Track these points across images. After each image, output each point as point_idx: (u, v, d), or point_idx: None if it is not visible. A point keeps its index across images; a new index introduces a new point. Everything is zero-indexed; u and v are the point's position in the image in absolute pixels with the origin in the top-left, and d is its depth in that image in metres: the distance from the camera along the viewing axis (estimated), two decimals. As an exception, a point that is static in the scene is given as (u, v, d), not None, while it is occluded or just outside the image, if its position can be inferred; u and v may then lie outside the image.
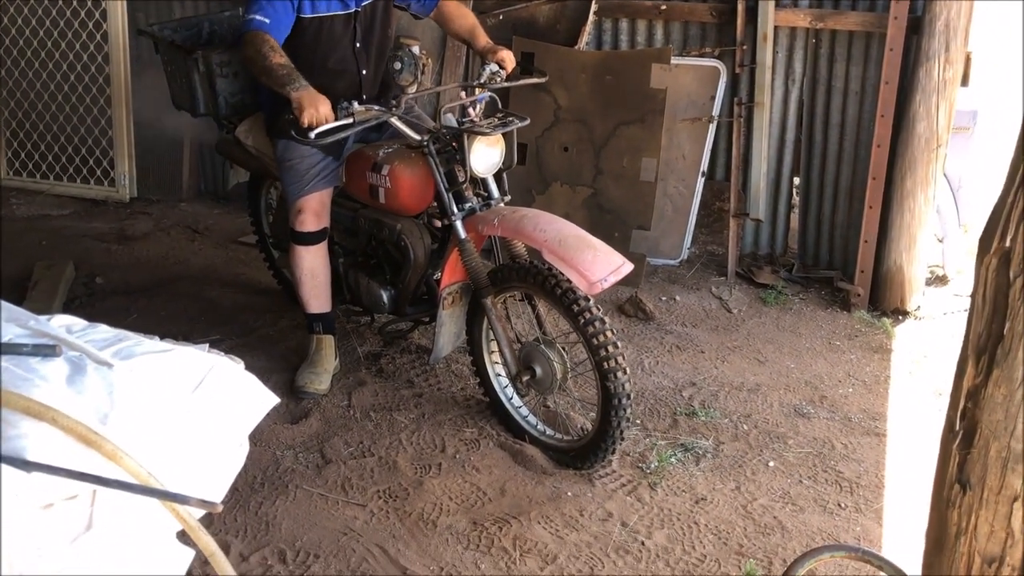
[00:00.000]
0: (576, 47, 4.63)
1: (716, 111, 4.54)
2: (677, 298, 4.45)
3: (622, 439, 3.02)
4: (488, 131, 3.05)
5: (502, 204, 3.21)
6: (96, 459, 1.08)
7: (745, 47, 4.47)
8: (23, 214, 5.33)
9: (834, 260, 4.62)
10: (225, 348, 1.79)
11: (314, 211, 3.39)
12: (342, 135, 2.99)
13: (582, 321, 2.90)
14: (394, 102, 3.13)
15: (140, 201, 5.51)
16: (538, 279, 2.98)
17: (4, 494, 0.99)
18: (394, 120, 3.07)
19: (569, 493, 3.01)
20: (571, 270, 2.85)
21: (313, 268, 3.46)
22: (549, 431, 3.23)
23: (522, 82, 3.31)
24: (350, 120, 2.93)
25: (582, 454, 3.08)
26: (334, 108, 2.92)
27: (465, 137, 3.05)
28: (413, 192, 3.22)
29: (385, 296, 3.43)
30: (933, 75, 4.08)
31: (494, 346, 3.26)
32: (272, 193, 4.08)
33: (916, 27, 4.11)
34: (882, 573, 1.77)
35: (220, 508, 1.17)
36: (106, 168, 5.53)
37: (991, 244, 1.39)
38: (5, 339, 1.17)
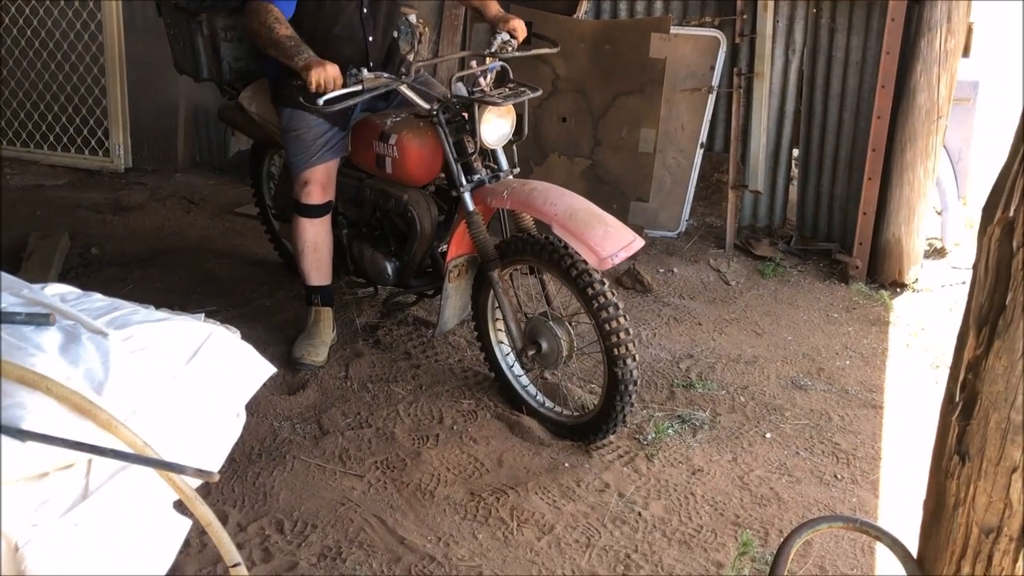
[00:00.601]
0: (575, 16, 4.59)
1: (715, 81, 4.51)
2: (675, 270, 4.44)
3: (624, 422, 3.02)
4: (499, 101, 3.00)
5: (511, 176, 3.17)
6: (91, 429, 1.07)
7: (745, 17, 4.43)
8: (17, 184, 5.29)
9: (832, 232, 4.61)
10: (221, 319, 1.78)
11: (320, 183, 3.35)
12: (351, 102, 2.93)
13: (595, 304, 2.86)
14: (403, 70, 3.10)
15: (135, 171, 5.47)
16: (553, 256, 2.93)
17: (3, 464, 0.98)
18: (403, 88, 3.02)
19: (566, 464, 3.01)
20: (581, 245, 2.82)
21: (316, 240, 3.44)
22: (549, 403, 3.23)
23: (533, 52, 3.25)
24: (359, 87, 2.88)
25: (582, 430, 3.08)
26: (343, 75, 2.89)
27: (476, 107, 3.01)
28: (421, 162, 3.19)
29: (389, 268, 3.40)
30: (935, 45, 4.04)
31: (498, 315, 3.24)
32: (275, 162, 4.04)
33: (918, -4, 4.07)
34: (879, 544, 1.77)
35: (217, 478, 1.17)
36: (100, 138, 5.49)
37: (994, 214, 1.37)
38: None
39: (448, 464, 3.00)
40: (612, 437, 3.11)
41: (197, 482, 1.19)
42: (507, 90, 3.07)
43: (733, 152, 4.59)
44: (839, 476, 3.03)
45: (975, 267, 1.41)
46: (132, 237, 4.62)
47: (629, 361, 2.87)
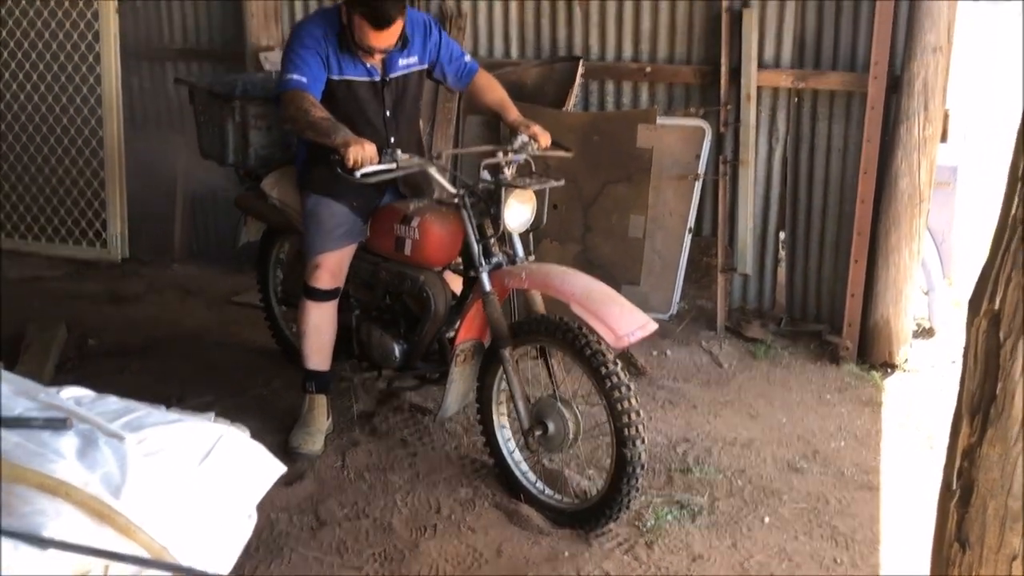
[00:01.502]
0: (564, 109, 4.72)
1: (702, 169, 4.63)
2: (668, 353, 4.48)
3: (628, 507, 3.02)
4: (524, 185, 3.15)
5: (527, 263, 3.26)
6: (109, 533, 1.09)
7: (729, 107, 4.57)
8: (15, 276, 5.33)
9: (822, 314, 4.68)
10: (219, 409, 1.80)
11: (331, 270, 3.44)
12: (385, 177, 3.09)
13: (608, 384, 2.89)
14: (434, 154, 3.28)
15: (132, 262, 5.53)
16: (567, 336, 2.98)
17: (22, 573, 1.00)
18: (432, 170, 3.17)
19: (566, 553, 3.00)
20: (599, 323, 2.88)
21: (319, 324, 3.50)
22: (549, 491, 3.23)
23: (550, 153, 3.40)
24: (394, 164, 3.04)
25: (584, 517, 3.07)
26: (379, 153, 3.04)
27: (503, 191, 3.13)
28: (441, 244, 3.29)
29: (397, 350, 3.46)
30: (913, 133, 4.17)
31: (503, 398, 3.28)
32: (283, 249, 4.13)
33: (895, 86, 4.22)
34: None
35: None
36: (98, 229, 5.56)
37: (981, 306, 1.43)
38: (16, 413, 1.18)
39: (447, 555, 2.98)
40: (611, 524, 3.10)
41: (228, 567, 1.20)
42: (530, 179, 3.22)
43: (721, 236, 4.68)
44: (839, 560, 3.02)
45: (964, 357, 1.46)
46: (129, 327, 4.65)
47: (639, 443, 2.90)
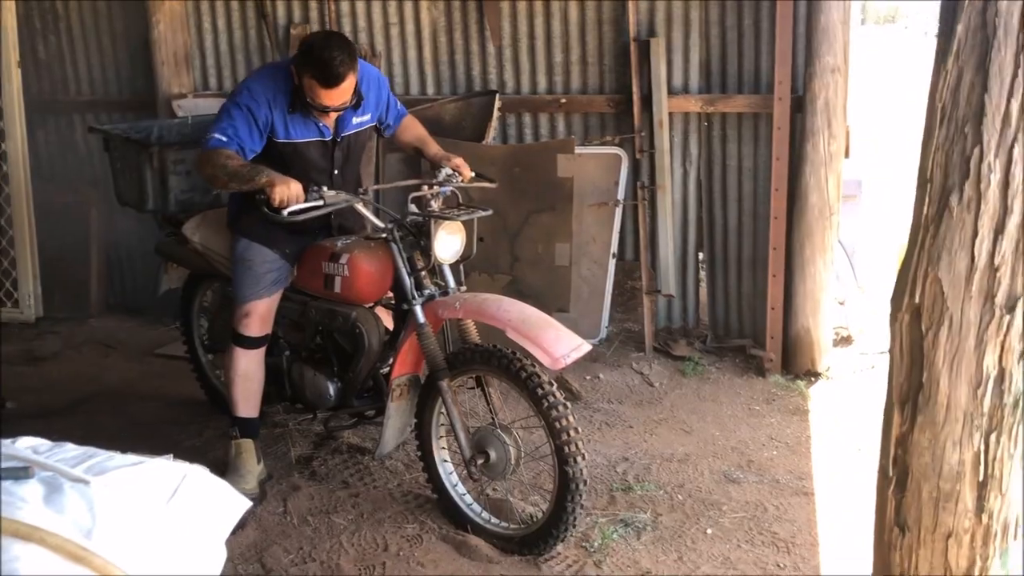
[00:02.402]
0: (483, 142, 4.80)
1: (621, 195, 4.75)
2: (600, 376, 4.55)
3: (574, 526, 3.05)
4: (453, 217, 3.18)
5: (459, 293, 3.28)
6: (87, 574, 1.07)
7: (643, 134, 4.71)
8: (-78, 343, 5.11)
9: (744, 329, 4.82)
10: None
11: (260, 316, 3.41)
12: (312, 215, 3.07)
13: (545, 404, 2.94)
14: (361, 190, 3.25)
15: (47, 320, 5.37)
16: (502, 362, 3.01)
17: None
18: (359, 206, 3.17)
19: (516, 580, 3.01)
20: (536, 347, 2.92)
21: (248, 371, 3.46)
22: (494, 519, 3.24)
23: (475, 184, 3.44)
24: (320, 202, 3.04)
25: (531, 541, 3.09)
26: (305, 191, 3.03)
27: (432, 223, 3.15)
28: (371, 280, 3.28)
29: (331, 389, 3.45)
30: (819, 149, 4.37)
31: (443, 432, 3.29)
32: (207, 297, 4.07)
33: (799, 106, 4.41)
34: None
35: None
36: (9, 289, 5.38)
37: (902, 302, 1.52)
38: (-29, 466, 1.16)
39: (398, 592, 2.96)
40: (560, 547, 3.13)
41: None
42: (458, 210, 3.25)
43: (644, 260, 4.80)
44: (781, 565, 3.11)
45: (891, 351, 1.55)
46: (49, 388, 4.50)
47: (579, 459, 2.93)
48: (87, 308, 5.41)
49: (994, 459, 1.47)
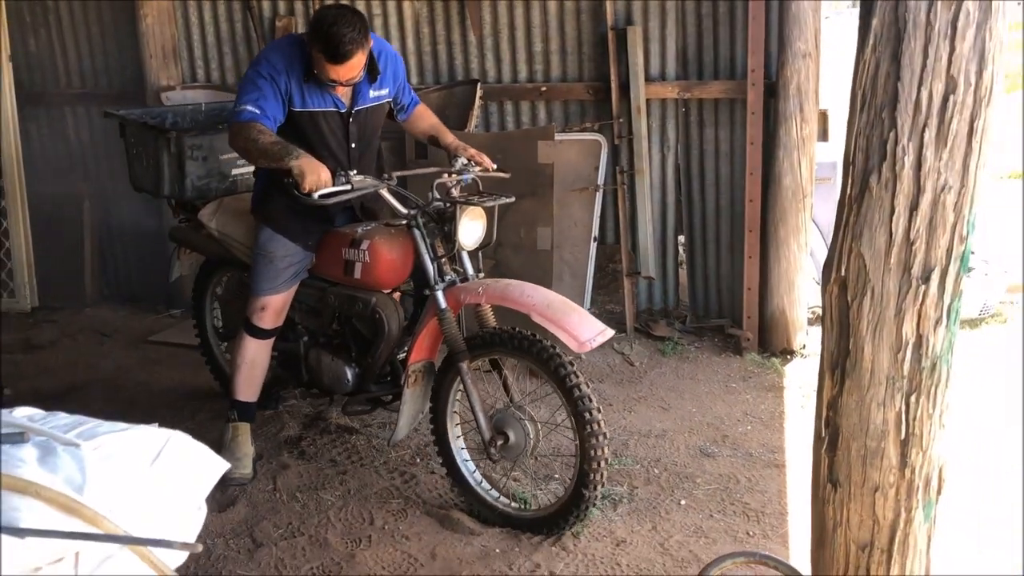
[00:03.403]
0: (466, 130, 4.91)
1: (601, 180, 4.86)
2: (582, 356, 4.67)
3: (595, 504, 3.11)
4: (478, 203, 3.21)
5: (480, 279, 3.31)
6: (78, 524, 1.19)
7: (621, 120, 4.82)
8: (-80, 333, 5.23)
9: (723, 309, 4.95)
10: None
11: (276, 310, 3.46)
12: (342, 199, 3.11)
13: (568, 384, 2.99)
14: (386, 176, 3.28)
15: (43, 310, 5.48)
16: (523, 344, 3.06)
17: (3, 561, 1.10)
18: (384, 192, 3.19)
19: (497, 550, 3.14)
20: (561, 331, 2.97)
21: (255, 359, 3.53)
22: (515, 504, 3.29)
23: (491, 174, 3.44)
24: (348, 187, 3.07)
25: (551, 521, 3.15)
26: (333, 176, 3.04)
27: (457, 209, 3.18)
28: (392, 266, 3.32)
29: (349, 374, 3.48)
30: (792, 133, 4.49)
31: (457, 418, 3.34)
32: (221, 284, 4.07)
33: (772, 91, 4.53)
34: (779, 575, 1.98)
35: (200, 548, 1.30)
36: (4, 279, 5.49)
37: (831, 276, 1.64)
38: (-32, 433, 1.28)
39: (383, 563, 3.09)
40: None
41: (178, 562, 1.32)
42: (480, 197, 3.28)
43: (624, 243, 4.92)
44: (751, 533, 3.24)
45: (822, 320, 1.67)
46: (45, 375, 4.62)
47: (601, 438, 3.00)
48: (83, 297, 5.53)
49: (915, 418, 1.60)
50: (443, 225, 3.24)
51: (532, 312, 3.02)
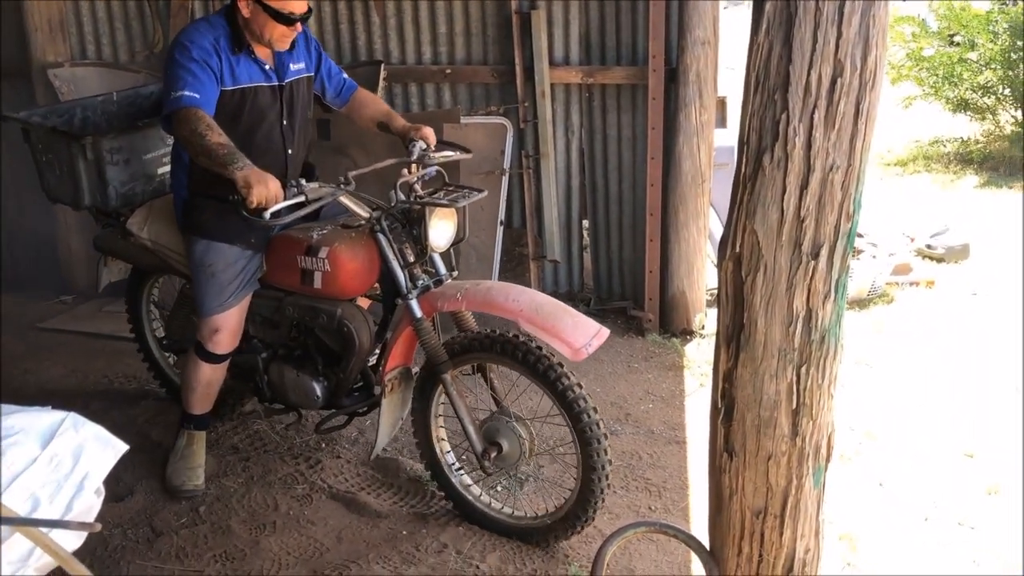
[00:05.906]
0: (370, 112, 4.85)
1: (507, 164, 4.88)
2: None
3: (603, 502, 2.97)
4: (448, 203, 2.94)
5: (450, 280, 3.11)
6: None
7: (526, 104, 4.85)
8: None
9: (625, 291, 5.05)
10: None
11: (231, 330, 3.19)
12: (297, 214, 2.82)
13: (560, 387, 2.85)
14: (342, 179, 2.94)
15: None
16: (506, 348, 2.89)
17: None
18: (344, 199, 2.91)
19: (404, 532, 3.15)
20: (553, 338, 2.77)
21: (211, 380, 3.30)
22: (518, 512, 3.16)
23: (453, 157, 3.18)
24: (302, 197, 2.77)
25: (557, 527, 3.02)
26: (283, 187, 2.75)
27: (426, 210, 2.93)
28: (356, 274, 3.06)
29: (319, 389, 3.21)
30: (691, 119, 4.59)
31: (441, 421, 3.21)
32: (155, 292, 3.81)
33: (673, 77, 4.62)
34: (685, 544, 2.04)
35: (99, 527, 1.26)
36: None
37: (727, 252, 1.70)
38: None
39: (288, 548, 3.06)
40: (445, 500, 3.26)
41: (75, 544, 1.28)
42: (443, 194, 3.03)
43: (530, 227, 4.96)
44: (653, 508, 3.33)
45: (718, 295, 1.73)
46: (-75, 364, 4.40)
47: (602, 440, 2.87)
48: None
49: (805, 389, 1.67)
50: (411, 228, 2.99)
51: (519, 319, 2.82)
